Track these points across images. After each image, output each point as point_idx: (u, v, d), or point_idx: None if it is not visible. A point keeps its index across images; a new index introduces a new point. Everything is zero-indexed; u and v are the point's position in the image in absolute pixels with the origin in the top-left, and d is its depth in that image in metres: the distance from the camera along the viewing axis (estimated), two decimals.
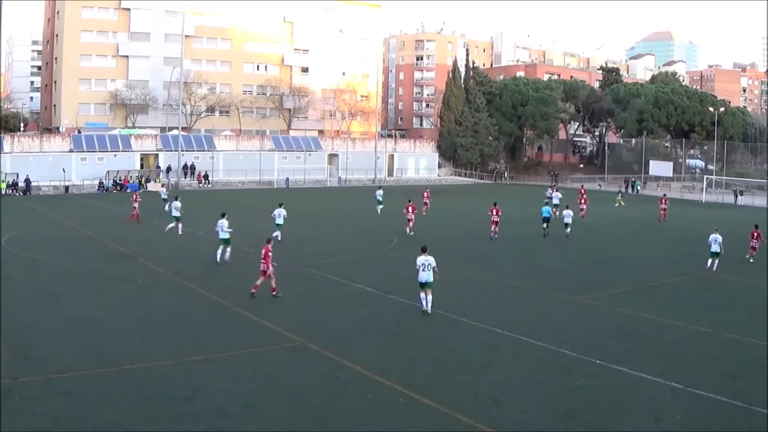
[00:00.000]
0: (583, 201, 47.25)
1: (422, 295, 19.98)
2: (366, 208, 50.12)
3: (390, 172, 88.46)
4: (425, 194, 48.43)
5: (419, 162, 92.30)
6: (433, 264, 19.83)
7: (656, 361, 16.09)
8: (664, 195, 52.23)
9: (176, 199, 36.05)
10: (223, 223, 27.43)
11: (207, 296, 21.67)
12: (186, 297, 21.82)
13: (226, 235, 27.26)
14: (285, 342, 17.01)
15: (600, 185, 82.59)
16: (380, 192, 47.75)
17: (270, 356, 16.04)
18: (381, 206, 45.91)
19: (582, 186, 60.39)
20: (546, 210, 38.66)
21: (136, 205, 40.22)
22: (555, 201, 46.03)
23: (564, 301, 22.28)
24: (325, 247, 32.56)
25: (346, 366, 15.22)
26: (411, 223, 37.11)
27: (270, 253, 21.20)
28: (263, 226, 33.62)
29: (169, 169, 70.78)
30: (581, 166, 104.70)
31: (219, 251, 27.35)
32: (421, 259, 19.87)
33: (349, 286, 23.35)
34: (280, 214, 33.20)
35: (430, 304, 19.88)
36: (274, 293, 21.42)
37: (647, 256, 32.13)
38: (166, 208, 46.15)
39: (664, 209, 48.32)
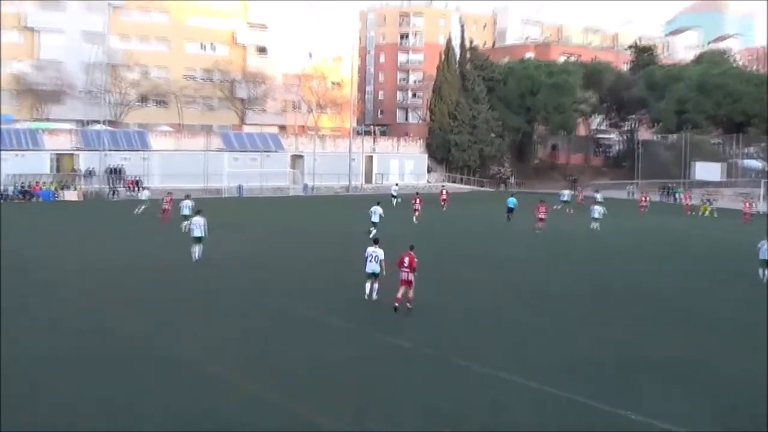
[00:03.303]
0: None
1: (367, 284, 24.92)
2: (341, 221, 50.09)
3: (368, 178, 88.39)
4: (443, 192, 64.23)
5: (404, 165, 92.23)
6: (381, 257, 24.57)
7: None
8: (747, 199, 65.52)
9: (187, 197, 43.71)
10: (199, 220, 32.53)
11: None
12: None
13: (200, 233, 32.28)
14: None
15: (632, 193, 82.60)
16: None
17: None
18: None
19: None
20: (511, 201, 52.79)
21: (167, 206, 47.47)
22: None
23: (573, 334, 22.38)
24: (288, 274, 32.34)
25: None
26: (417, 213, 50.74)
27: (415, 261, 23.50)
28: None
29: (90, 173, 70.37)
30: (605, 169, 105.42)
31: (195, 250, 32.44)
32: (370, 250, 24.83)
33: (321, 322, 23.24)
34: (375, 212, 41.94)
35: (375, 292, 24.85)
36: (409, 305, 23.59)
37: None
38: None
39: (747, 213, 59.51)
